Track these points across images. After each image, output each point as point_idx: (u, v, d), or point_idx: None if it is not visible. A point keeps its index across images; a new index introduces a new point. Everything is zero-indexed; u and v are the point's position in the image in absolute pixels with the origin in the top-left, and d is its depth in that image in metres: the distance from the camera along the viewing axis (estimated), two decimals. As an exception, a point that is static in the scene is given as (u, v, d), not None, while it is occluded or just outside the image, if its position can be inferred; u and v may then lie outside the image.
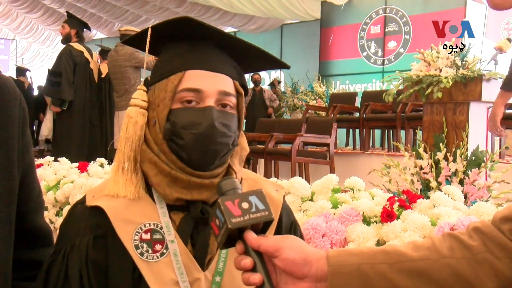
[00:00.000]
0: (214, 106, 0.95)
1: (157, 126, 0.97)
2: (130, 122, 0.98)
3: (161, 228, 0.95)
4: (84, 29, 6.33)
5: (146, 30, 1.00)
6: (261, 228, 0.79)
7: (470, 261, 0.73)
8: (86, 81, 5.95)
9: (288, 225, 1.08)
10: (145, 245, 0.93)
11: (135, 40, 1.07)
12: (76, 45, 6.01)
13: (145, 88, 1.01)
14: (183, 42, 1.00)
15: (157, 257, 0.93)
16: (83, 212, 0.97)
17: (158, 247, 0.94)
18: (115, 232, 0.93)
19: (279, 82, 10.54)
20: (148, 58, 1.04)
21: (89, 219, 0.96)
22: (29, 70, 11.90)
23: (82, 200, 1.00)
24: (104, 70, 6.12)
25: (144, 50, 1.05)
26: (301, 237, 1.10)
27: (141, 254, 0.93)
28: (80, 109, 5.90)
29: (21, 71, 11.27)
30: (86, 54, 6.00)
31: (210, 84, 0.96)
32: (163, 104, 0.96)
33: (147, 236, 0.94)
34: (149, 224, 0.95)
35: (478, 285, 0.72)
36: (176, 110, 0.96)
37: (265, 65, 1.14)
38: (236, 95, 1.00)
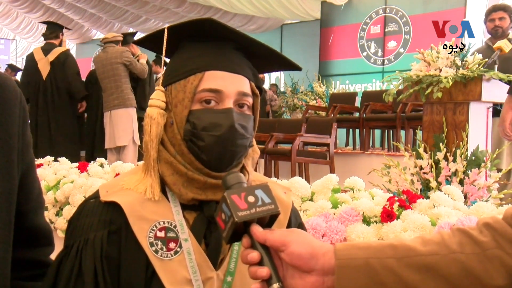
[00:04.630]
0: (233, 108, 0.96)
1: (175, 126, 0.97)
2: (153, 124, 0.98)
3: (175, 226, 0.96)
4: (59, 29, 6.44)
5: (161, 31, 0.99)
6: (267, 221, 0.79)
7: (480, 256, 0.72)
8: (35, 82, 6.13)
9: (295, 227, 1.09)
10: (159, 243, 0.94)
11: (146, 41, 1.07)
12: (35, 50, 6.28)
13: (163, 89, 1.01)
14: (201, 42, 1.00)
15: (171, 255, 0.94)
16: (96, 207, 0.97)
17: (172, 245, 0.94)
18: (129, 228, 0.94)
19: (276, 85, 10.76)
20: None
21: (103, 214, 0.96)
22: (21, 70, 11.81)
23: (95, 195, 0.99)
24: None
25: (154, 51, 1.05)
26: None
27: (156, 251, 0.93)
28: (32, 109, 6.07)
29: (14, 69, 11.16)
30: (37, 56, 6.14)
31: (230, 85, 0.96)
32: (181, 105, 0.96)
33: (161, 234, 0.95)
34: (164, 222, 0.96)
35: (488, 281, 0.71)
36: (196, 112, 0.96)
37: (279, 67, 1.15)
38: (252, 96, 1.01)
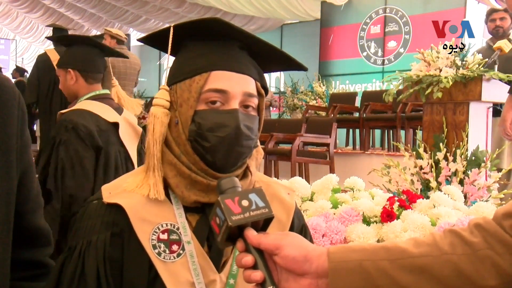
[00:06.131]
0: (239, 109, 0.95)
1: (180, 126, 0.97)
2: (156, 123, 0.97)
3: (177, 228, 0.96)
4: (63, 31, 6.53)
5: (166, 30, 0.99)
6: (261, 225, 0.79)
7: (471, 257, 0.72)
8: (49, 80, 6.10)
9: (299, 229, 1.09)
10: (162, 245, 0.94)
11: (151, 39, 1.07)
12: (49, 51, 6.28)
13: (167, 88, 1.00)
14: (206, 42, 0.99)
15: (174, 258, 0.94)
16: (99, 209, 0.97)
17: (175, 247, 0.94)
18: (132, 230, 0.94)
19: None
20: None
21: (106, 216, 0.96)
22: (27, 71, 11.97)
23: (98, 197, 0.99)
24: None
25: (158, 48, 1.05)
26: (311, 240, 1.09)
27: (159, 254, 0.93)
28: (46, 111, 6.09)
29: (20, 71, 11.34)
30: (53, 56, 6.12)
31: (236, 85, 0.95)
32: (186, 104, 0.96)
33: (164, 236, 0.95)
34: (166, 224, 0.96)
35: (479, 281, 0.71)
36: (202, 112, 0.95)
37: (283, 67, 1.14)
38: (257, 96, 1.00)
